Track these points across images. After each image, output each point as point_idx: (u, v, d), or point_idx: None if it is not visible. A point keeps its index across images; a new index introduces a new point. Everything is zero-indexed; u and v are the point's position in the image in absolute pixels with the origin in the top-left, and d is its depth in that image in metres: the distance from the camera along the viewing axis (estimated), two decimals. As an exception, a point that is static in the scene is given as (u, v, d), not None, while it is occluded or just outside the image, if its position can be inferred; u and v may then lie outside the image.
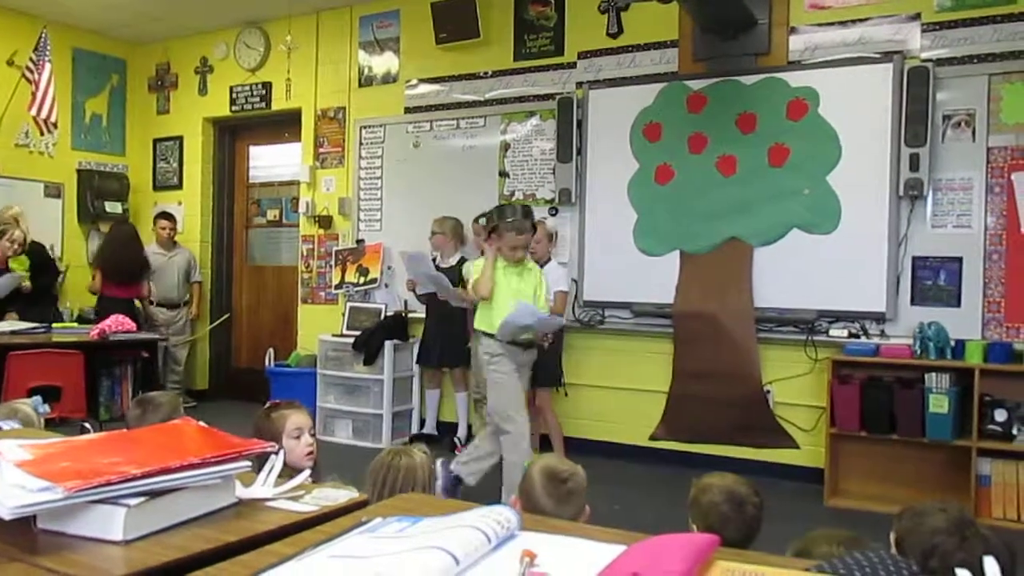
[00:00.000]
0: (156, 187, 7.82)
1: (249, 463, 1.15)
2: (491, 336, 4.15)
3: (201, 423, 1.34)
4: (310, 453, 2.49)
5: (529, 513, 2.17)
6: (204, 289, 7.42)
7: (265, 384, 6.41)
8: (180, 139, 7.66)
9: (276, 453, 1.28)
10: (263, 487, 1.21)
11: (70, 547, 0.95)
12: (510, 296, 4.13)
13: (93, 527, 0.97)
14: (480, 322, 4.23)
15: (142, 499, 1.00)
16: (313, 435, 2.57)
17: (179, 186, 7.68)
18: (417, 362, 6.02)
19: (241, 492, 1.17)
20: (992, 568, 0.85)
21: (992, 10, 4.48)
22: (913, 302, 4.62)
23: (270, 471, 1.23)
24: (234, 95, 7.29)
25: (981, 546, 1.66)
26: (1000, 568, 0.86)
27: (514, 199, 5.84)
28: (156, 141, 7.81)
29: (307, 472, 1.30)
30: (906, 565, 0.87)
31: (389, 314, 6.16)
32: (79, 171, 7.41)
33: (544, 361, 5.14)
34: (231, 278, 7.67)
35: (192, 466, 1.06)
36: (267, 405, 2.66)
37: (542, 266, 5.18)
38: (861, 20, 4.80)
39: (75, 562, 0.91)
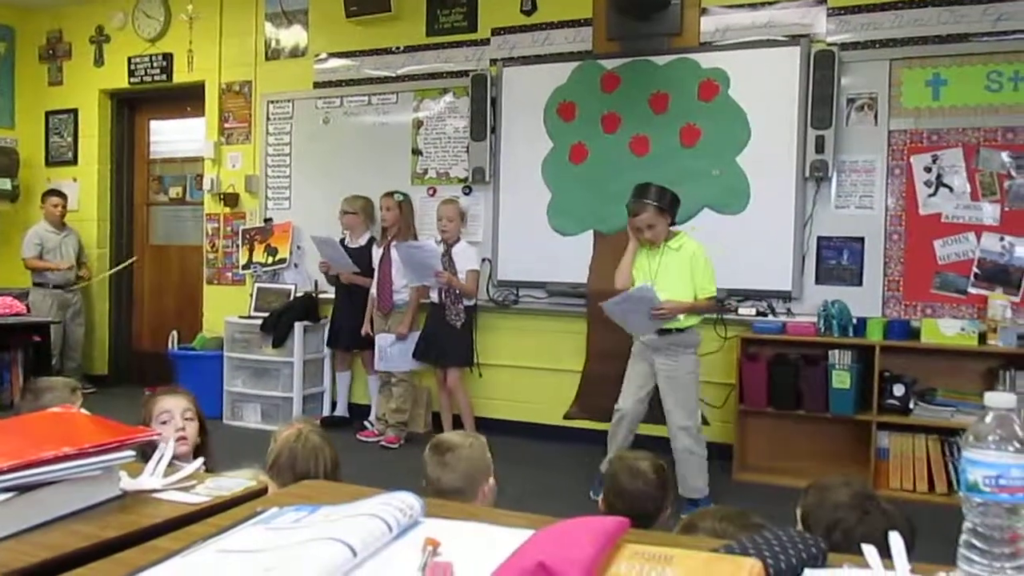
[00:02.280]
0: (49, 162, 7.42)
1: (133, 453, 1.07)
2: None
3: (83, 410, 1.25)
4: (182, 438, 2.37)
5: (429, 485, 2.18)
6: (101, 269, 7.10)
7: (169, 368, 6.19)
8: (75, 112, 7.28)
9: (166, 442, 1.21)
10: (151, 478, 1.13)
11: (-75, 549, 0.86)
12: (640, 281, 4.05)
13: (-48, 526, 0.89)
14: None
15: (9, 495, 0.92)
16: (191, 419, 2.45)
17: (74, 161, 7.30)
18: (327, 344, 5.90)
19: (127, 484, 1.10)
20: (897, 544, 0.84)
21: (894, -4, 4.61)
22: (818, 281, 4.75)
23: (159, 461, 1.16)
24: (133, 66, 6.96)
25: (882, 520, 1.70)
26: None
27: (427, 177, 5.76)
28: (48, 114, 7.40)
29: (200, 461, 1.23)
30: (814, 541, 0.86)
31: (299, 295, 6.00)
32: (-37, 144, 6.98)
33: (456, 340, 5.12)
34: (131, 258, 7.35)
35: (68, 457, 0.98)
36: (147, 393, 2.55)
37: (451, 246, 5.13)
38: (770, 3, 4.87)
39: (-71, 566, 0.82)
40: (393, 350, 5.25)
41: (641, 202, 3.98)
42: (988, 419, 0.94)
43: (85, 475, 1.00)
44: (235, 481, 1.15)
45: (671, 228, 4.07)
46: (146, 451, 1.20)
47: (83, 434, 1.05)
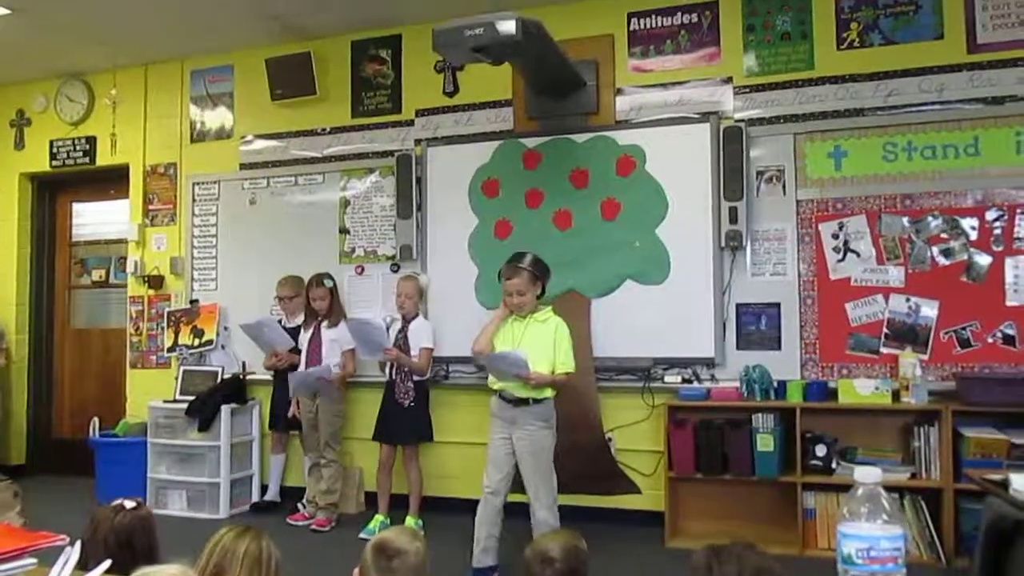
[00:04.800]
0: (-35, 248, 7.23)
1: (35, 560, 1.06)
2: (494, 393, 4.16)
3: (19, 519, 1.23)
4: None
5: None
6: (20, 355, 6.89)
7: (89, 456, 5.99)
8: (-7, 196, 7.15)
9: (71, 545, 1.20)
10: (55, 585, 1.12)
11: None
12: (502, 348, 4.09)
13: None
14: None
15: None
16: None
17: (-9, 246, 7.14)
18: (269, 427, 5.79)
19: (29, 592, 1.08)
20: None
21: (794, 75, 4.89)
22: (739, 347, 4.88)
23: (63, 566, 1.15)
24: (55, 150, 6.90)
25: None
26: None
27: (355, 256, 5.78)
28: (-35, 198, 7.25)
29: (107, 563, 1.21)
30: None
31: (226, 376, 5.91)
32: None
33: (408, 418, 5.06)
34: (52, 343, 7.16)
35: (-35, 570, 0.97)
36: None
37: (409, 322, 5.12)
38: (680, 83, 5.11)
39: None
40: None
41: (515, 267, 4.10)
42: (859, 493, 1.01)
43: (-16, 588, 0.99)
44: (142, 585, 1.14)
45: (540, 303, 4.18)
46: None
47: (-17, 544, 1.04)
